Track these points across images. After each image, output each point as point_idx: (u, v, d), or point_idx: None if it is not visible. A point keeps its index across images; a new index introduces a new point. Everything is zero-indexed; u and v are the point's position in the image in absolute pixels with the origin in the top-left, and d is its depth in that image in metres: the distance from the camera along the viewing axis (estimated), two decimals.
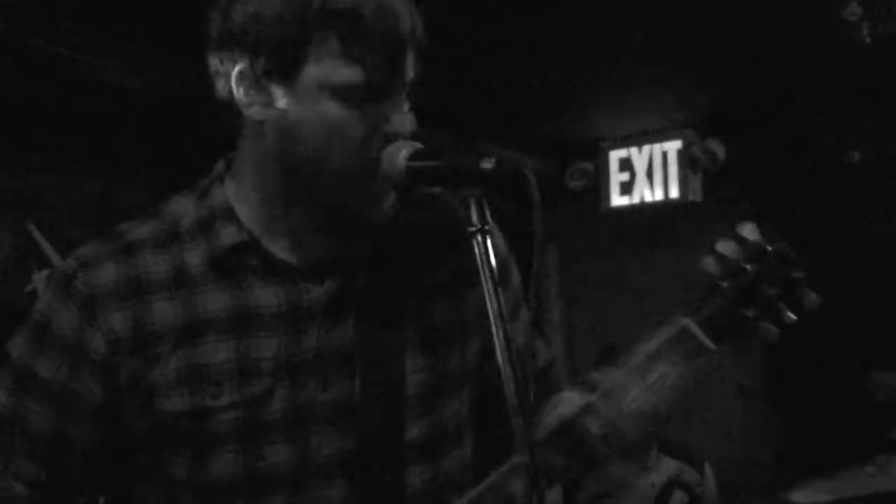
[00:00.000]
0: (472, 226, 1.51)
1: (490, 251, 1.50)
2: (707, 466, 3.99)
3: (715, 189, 6.39)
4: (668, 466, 3.91)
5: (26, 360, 1.66)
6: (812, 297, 1.70)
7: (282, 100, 1.59)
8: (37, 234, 4.69)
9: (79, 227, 4.65)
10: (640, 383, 1.69)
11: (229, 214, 1.68)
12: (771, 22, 4.79)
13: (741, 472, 5.74)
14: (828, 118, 5.92)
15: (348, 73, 1.56)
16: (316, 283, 1.68)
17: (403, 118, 1.62)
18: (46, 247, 4.68)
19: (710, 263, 1.69)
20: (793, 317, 1.70)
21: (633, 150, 6.61)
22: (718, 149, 6.28)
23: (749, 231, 1.70)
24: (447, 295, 1.79)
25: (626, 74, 5.52)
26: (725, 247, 1.69)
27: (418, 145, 1.60)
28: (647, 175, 6.56)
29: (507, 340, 1.47)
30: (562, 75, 5.40)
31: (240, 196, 1.69)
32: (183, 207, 1.71)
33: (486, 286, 1.49)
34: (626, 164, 6.66)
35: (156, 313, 1.63)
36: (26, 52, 4.30)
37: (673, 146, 6.46)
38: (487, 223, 1.51)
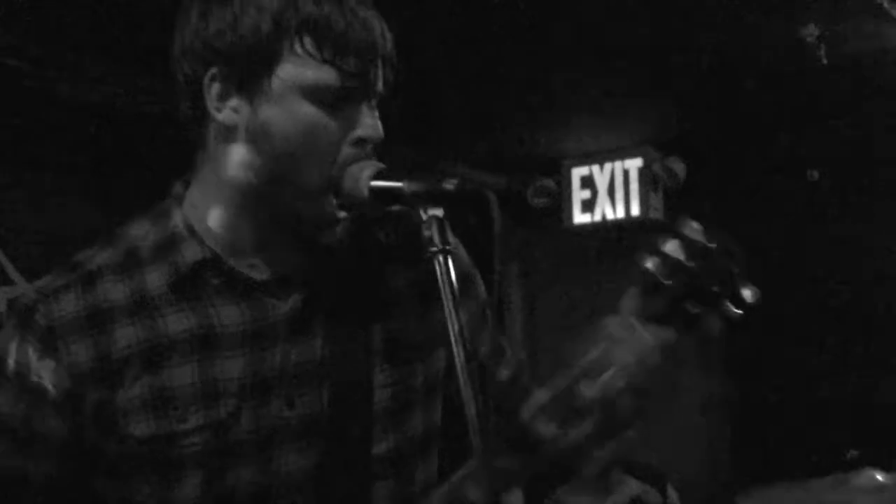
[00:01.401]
0: (433, 246, 1.50)
1: (451, 272, 1.49)
2: (670, 487, 3.98)
3: (675, 206, 6.41)
4: (631, 487, 3.90)
5: None
6: (752, 291, 1.69)
7: (254, 103, 1.59)
8: None
9: (39, 246, 4.61)
10: (592, 382, 1.65)
11: (190, 234, 1.65)
12: (730, 43, 4.81)
13: (703, 490, 5.75)
14: (786, 137, 5.95)
15: (321, 74, 1.57)
16: (281, 299, 1.66)
17: (374, 123, 1.63)
18: (8, 266, 4.62)
19: (654, 263, 1.68)
20: (736, 311, 1.69)
21: (595, 168, 6.63)
22: (678, 167, 6.30)
23: (691, 230, 1.69)
24: (411, 308, 1.79)
25: (588, 94, 5.53)
26: (669, 246, 1.68)
27: (381, 165, 1.61)
28: (608, 192, 6.58)
29: (468, 359, 1.46)
30: (525, 94, 5.41)
31: (200, 214, 1.66)
32: (141, 230, 1.68)
33: (447, 306, 1.48)
34: (587, 182, 6.67)
35: (118, 340, 1.59)
36: None
37: (634, 164, 6.48)
38: (448, 244, 1.50)
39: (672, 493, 3.99)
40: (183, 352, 1.60)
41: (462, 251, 1.84)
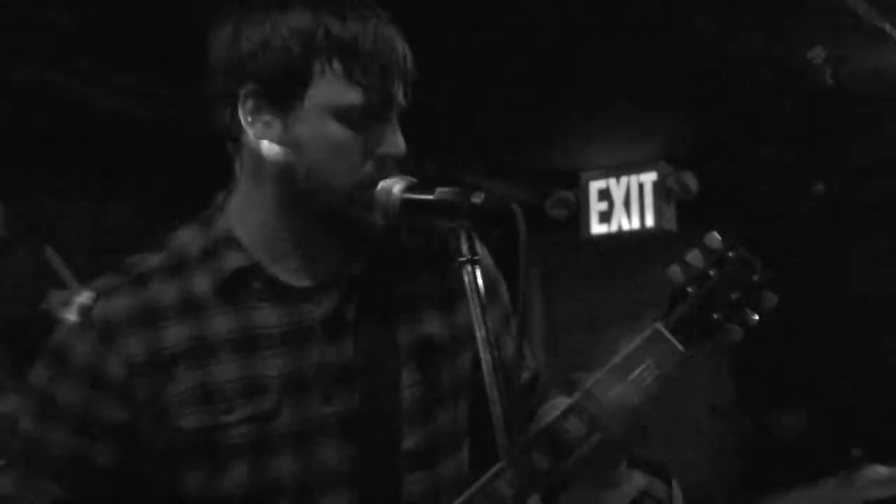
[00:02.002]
0: (461, 256, 1.53)
1: (479, 280, 1.52)
2: (675, 482, 3.98)
3: (688, 218, 6.41)
4: (638, 480, 3.90)
5: (47, 388, 1.65)
6: (771, 298, 1.74)
7: (286, 121, 1.60)
8: (52, 257, 4.69)
9: (91, 250, 4.66)
10: (619, 383, 1.71)
11: (232, 241, 1.68)
12: (742, 64, 4.85)
13: (708, 488, 5.75)
14: (795, 153, 5.95)
15: (350, 96, 1.58)
16: (316, 304, 1.68)
17: (396, 139, 1.64)
18: (61, 268, 4.68)
19: (676, 272, 1.73)
20: (755, 317, 1.74)
21: (612, 181, 6.64)
22: (691, 180, 6.31)
23: (712, 240, 1.74)
24: (437, 311, 1.80)
25: (606, 111, 5.58)
26: (691, 256, 1.73)
27: (412, 179, 1.63)
28: (624, 204, 6.59)
29: (495, 363, 1.48)
30: (546, 111, 5.44)
31: (241, 223, 1.69)
32: (188, 237, 1.71)
33: (475, 313, 1.51)
34: (604, 195, 6.69)
35: (168, 337, 1.62)
36: (42, 92, 4.33)
37: (649, 178, 6.50)
38: (476, 254, 1.53)
39: (676, 487, 3.99)
40: (227, 350, 1.63)
41: (488, 259, 1.85)
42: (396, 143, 1.65)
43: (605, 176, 6.66)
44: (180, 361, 1.61)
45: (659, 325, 1.73)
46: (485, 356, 1.49)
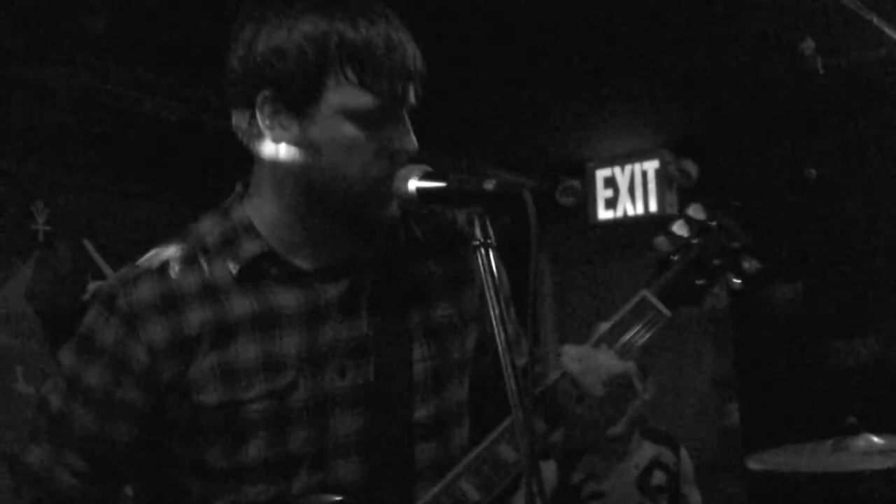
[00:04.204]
0: (475, 240, 1.54)
1: (492, 263, 1.53)
2: (683, 449, 3.99)
3: (689, 203, 6.38)
4: (648, 450, 3.91)
5: (75, 369, 1.69)
6: (753, 264, 1.76)
7: (302, 124, 1.61)
8: (91, 249, 4.71)
9: (127, 243, 4.67)
10: (608, 349, 1.74)
11: (250, 229, 1.70)
12: (737, 55, 4.84)
13: (713, 454, 5.75)
14: (788, 140, 5.93)
15: (362, 100, 1.59)
16: (330, 285, 1.70)
17: (408, 138, 1.66)
18: (100, 260, 4.69)
19: (661, 241, 1.75)
20: (738, 282, 1.75)
21: (617, 170, 6.62)
22: (691, 168, 6.29)
23: (695, 210, 1.76)
24: (446, 293, 1.82)
25: (610, 102, 5.58)
26: (676, 226, 1.76)
27: (427, 168, 1.65)
28: (629, 191, 6.57)
29: (508, 341, 1.49)
30: (554, 103, 5.46)
31: (259, 212, 1.71)
32: (207, 226, 1.73)
33: (489, 294, 1.51)
34: (610, 182, 6.67)
35: (189, 321, 1.64)
36: (80, 93, 4.34)
37: (651, 165, 6.48)
38: (489, 238, 1.54)
39: (685, 455, 4.00)
40: (246, 331, 1.65)
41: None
42: (408, 140, 1.66)
43: (611, 164, 6.65)
44: (202, 343, 1.64)
45: (645, 292, 1.75)
46: (499, 334, 1.50)
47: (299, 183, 1.65)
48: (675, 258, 1.76)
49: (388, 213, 1.67)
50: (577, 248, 7.11)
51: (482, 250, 1.54)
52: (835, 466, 3.50)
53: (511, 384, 1.48)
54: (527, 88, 5.18)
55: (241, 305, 1.66)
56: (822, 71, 4.27)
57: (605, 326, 1.76)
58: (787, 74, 4.81)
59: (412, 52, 1.65)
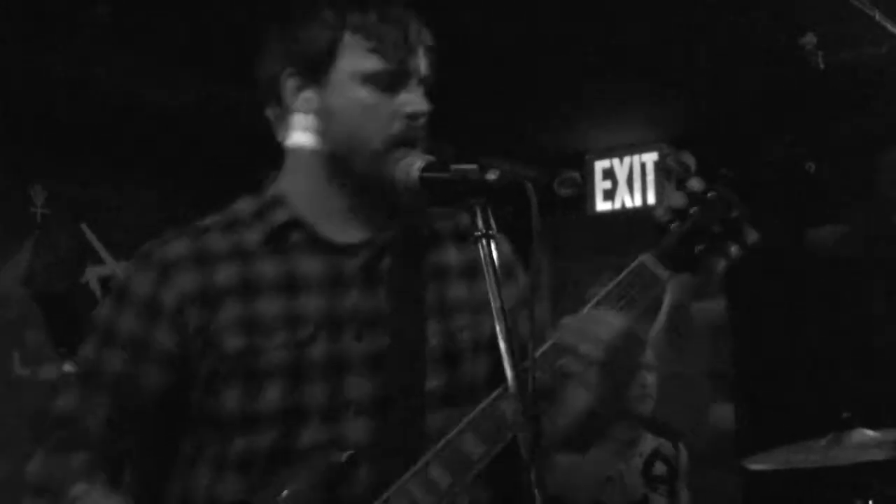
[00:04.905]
0: (477, 231, 1.56)
1: (494, 253, 1.55)
2: (681, 443, 4.03)
3: (686, 175, 6.37)
4: (650, 440, 3.95)
5: (109, 319, 1.78)
6: (752, 234, 1.78)
7: (322, 93, 1.76)
8: (89, 234, 4.70)
9: (124, 227, 4.68)
10: (609, 309, 1.77)
11: (280, 201, 1.81)
12: (738, 48, 4.84)
13: (709, 446, 5.74)
14: (787, 133, 5.93)
15: (371, 63, 1.74)
16: (352, 257, 1.79)
17: (419, 100, 1.77)
18: (97, 245, 4.69)
19: (660, 211, 1.79)
20: (736, 251, 1.78)
21: (616, 161, 6.62)
22: (690, 160, 6.26)
23: (693, 184, 1.80)
24: (461, 280, 1.88)
25: (609, 95, 5.57)
26: (675, 197, 1.79)
27: (431, 158, 1.71)
28: (627, 183, 6.57)
29: (507, 330, 1.52)
30: (553, 95, 5.47)
31: (290, 187, 1.82)
32: (243, 203, 1.85)
33: (490, 284, 1.54)
34: (608, 174, 6.66)
35: (219, 276, 1.75)
36: (80, 81, 4.34)
37: (650, 157, 6.47)
38: (491, 228, 1.56)
39: (682, 448, 4.03)
40: (271, 289, 1.75)
41: (505, 244, 1.90)
42: (419, 101, 1.77)
43: (609, 156, 6.64)
44: (228, 296, 1.74)
45: (644, 257, 1.78)
46: (499, 325, 1.53)
47: (322, 151, 1.78)
48: (674, 226, 1.78)
49: (404, 177, 1.72)
50: (575, 238, 7.10)
51: (483, 241, 1.55)
52: (833, 461, 3.50)
53: (510, 377, 1.50)
54: (526, 79, 5.19)
55: (267, 267, 1.76)
56: (822, 66, 4.28)
57: (602, 290, 1.79)
58: (788, 69, 4.81)
59: (416, 26, 1.80)
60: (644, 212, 6.50)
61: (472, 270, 1.86)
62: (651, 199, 6.46)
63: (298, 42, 1.77)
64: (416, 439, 1.74)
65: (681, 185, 1.83)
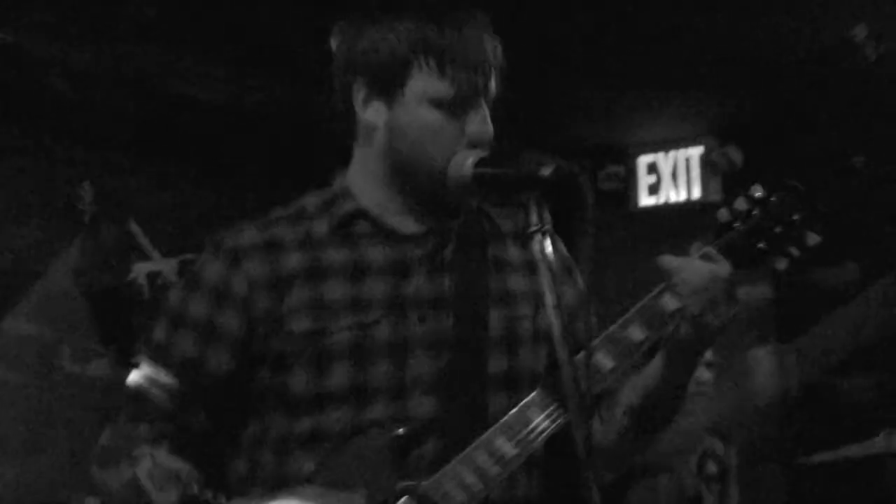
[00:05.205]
0: (532, 226, 1.58)
1: (549, 248, 1.57)
2: (732, 445, 4.03)
3: (733, 190, 6.32)
4: (704, 439, 3.96)
5: (180, 303, 1.85)
6: (812, 237, 1.85)
7: (391, 109, 1.80)
8: (136, 231, 4.74)
9: (172, 225, 4.71)
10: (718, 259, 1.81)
11: (347, 193, 1.87)
12: (785, 41, 4.81)
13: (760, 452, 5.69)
14: (837, 128, 5.85)
15: (442, 88, 1.76)
16: (417, 245, 1.84)
17: (484, 126, 1.80)
18: (145, 242, 4.73)
19: (723, 213, 1.85)
20: (796, 252, 1.84)
21: (660, 155, 6.55)
22: (736, 154, 6.22)
23: (755, 189, 1.85)
24: (521, 274, 1.92)
25: (654, 88, 5.53)
26: (738, 202, 1.85)
27: (483, 153, 1.74)
28: (672, 177, 6.51)
29: (562, 325, 1.55)
30: (598, 89, 5.45)
31: (357, 181, 1.87)
32: (311, 197, 1.90)
33: (545, 279, 1.57)
34: (652, 168, 6.60)
35: (287, 263, 1.80)
36: (129, 78, 4.38)
37: (695, 151, 6.38)
38: (547, 223, 1.57)
39: (732, 448, 4.02)
40: (337, 275, 1.80)
41: (561, 244, 1.92)
42: (484, 127, 1.80)
43: (654, 150, 6.58)
44: (296, 281, 1.79)
45: (707, 248, 1.81)
46: (554, 321, 1.55)
47: (387, 161, 1.83)
48: (736, 225, 1.83)
49: (465, 195, 1.79)
50: (619, 233, 7.06)
51: (539, 235, 1.57)
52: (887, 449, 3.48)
53: (565, 375, 1.52)
54: (568, 72, 5.17)
55: (333, 254, 1.81)
56: (873, 58, 4.23)
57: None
58: (837, 60, 4.76)
59: (491, 48, 1.82)
60: (689, 207, 6.45)
61: (532, 267, 1.83)
62: (696, 195, 6.40)
63: (372, 55, 1.80)
64: (478, 419, 1.77)
65: (739, 187, 1.88)
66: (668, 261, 1.83)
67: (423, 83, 1.77)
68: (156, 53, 4.47)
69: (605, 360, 1.79)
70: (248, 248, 1.81)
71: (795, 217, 1.84)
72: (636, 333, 1.83)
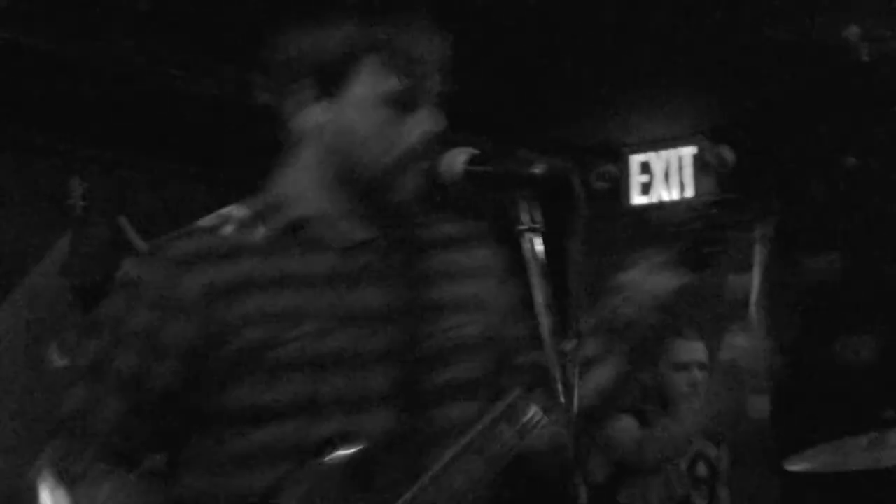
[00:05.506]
0: (523, 225, 1.56)
1: (539, 248, 1.54)
2: (724, 446, 4.03)
3: (726, 189, 6.32)
4: (694, 442, 3.94)
5: (119, 314, 1.75)
6: (759, 234, 1.95)
7: (338, 108, 1.76)
8: (126, 226, 4.73)
9: (162, 220, 4.69)
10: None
11: (287, 199, 1.81)
12: (777, 40, 4.79)
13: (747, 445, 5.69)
14: (827, 126, 5.86)
15: (391, 83, 1.74)
16: (364, 254, 1.80)
17: (434, 118, 1.78)
18: (135, 237, 4.72)
19: (662, 217, 1.82)
20: (741, 255, 1.90)
21: (652, 155, 6.56)
22: (728, 154, 6.22)
23: (694, 201, 1.88)
24: (468, 280, 1.89)
25: (647, 87, 5.53)
26: (680, 209, 1.87)
27: (474, 151, 1.68)
28: (664, 177, 6.51)
29: (555, 327, 1.52)
30: (589, 88, 5.43)
31: (297, 188, 1.82)
32: (249, 202, 1.84)
33: (534, 279, 1.54)
34: (645, 167, 6.60)
35: (233, 272, 1.73)
36: (121, 73, 4.37)
37: (688, 151, 6.39)
38: (537, 223, 1.55)
39: (724, 450, 4.02)
40: (285, 285, 1.74)
41: (505, 246, 1.92)
42: (435, 121, 1.77)
43: (647, 150, 6.58)
44: (243, 292, 1.72)
45: (660, 258, 1.86)
46: (544, 321, 1.52)
47: (332, 163, 1.78)
48: (688, 229, 1.88)
49: (414, 192, 1.77)
50: (611, 232, 7.06)
51: (529, 235, 1.55)
52: (875, 463, 3.46)
53: (556, 375, 1.51)
54: (561, 70, 5.16)
55: (279, 264, 1.76)
56: (866, 58, 4.23)
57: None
58: (829, 60, 4.76)
59: (437, 44, 1.78)
60: (681, 206, 6.45)
61: (480, 272, 1.91)
62: (689, 193, 6.40)
63: (318, 54, 1.76)
64: (432, 433, 1.74)
65: (685, 204, 1.95)
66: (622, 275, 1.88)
67: (371, 81, 1.74)
68: (147, 44, 4.45)
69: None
70: (192, 255, 1.74)
71: (741, 218, 1.89)
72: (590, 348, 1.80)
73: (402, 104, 1.74)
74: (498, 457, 1.69)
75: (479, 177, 1.65)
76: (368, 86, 1.74)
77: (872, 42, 4.18)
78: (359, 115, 1.74)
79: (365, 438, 1.67)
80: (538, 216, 1.55)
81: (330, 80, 1.75)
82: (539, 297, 1.54)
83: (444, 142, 1.75)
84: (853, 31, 4.16)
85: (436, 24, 1.80)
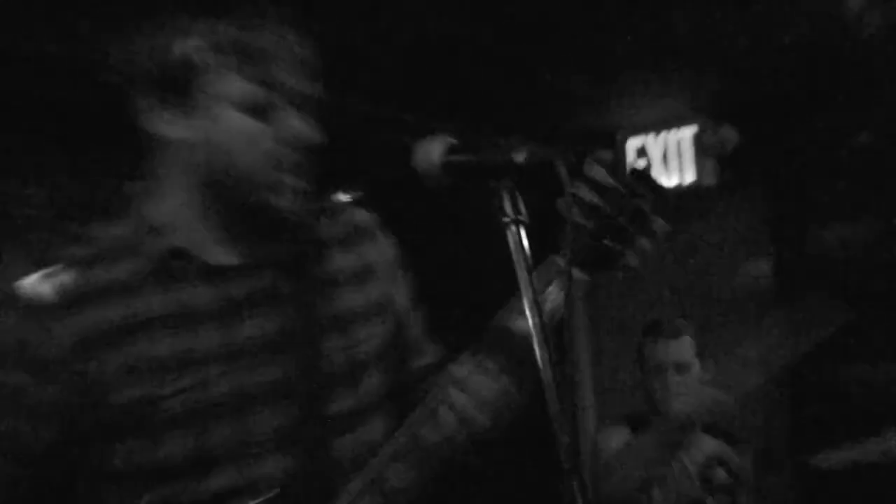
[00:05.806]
0: (505, 216, 1.50)
1: (524, 240, 1.48)
2: (747, 454, 3.88)
3: (728, 172, 6.22)
4: (708, 446, 3.80)
5: None
6: (660, 224, 1.68)
7: (188, 115, 1.65)
8: None
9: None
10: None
11: (156, 228, 1.69)
12: (779, 14, 4.69)
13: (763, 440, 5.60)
14: (835, 103, 5.75)
15: (244, 87, 1.64)
16: (243, 280, 1.71)
17: (301, 126, 1.69)
18: None
19: (563, 207, 1.58)
20: (647, 244, 1.68)
21: (649, 138, 6.43)
22: (730, 134, 6.11)
23: (597, 173, 1.69)
24: (351, 287, 1.83)
25: (640, 66, 5.41)
26: (582, 190, 1.68)
27: (452, 140, 1.60)
28: (662, 161, 6.38)
29: (542, 322, 1.45)
30: (579, 69, 5.33)
31: (164, 214, 1.71)
32: (113, 228, 1.73)
33: (520, 273, 1.48)
34: (642, 152, 6.48)
35: (99, 318, 1.62)
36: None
37: (687, 133, 6.26)
38: (521, 213, 1.49)
39: (747, 454, 3.88)
40: (159, 327, 1.64)
41: (392, 242, 1.92)
42: (301, 128, 1.69)
43: (642, 133, 6.45)
44: (112, 340, 1.62)
45: (556, 258, 1.70)
46: (533, 319, 1.45)
47: (198, 183, 1.68)
48: (582, 222, 1.69)
49: (290, 203, 1.69)
50: None
51: (513, 227, 1.49)
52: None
53: (546, 374, 1.43)
54: (552, 51, 5.04)
55: (153, 303, 1.65)
56: (870, 31, 4.17)
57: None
58: (834, 33, 4.67)
59: (294, 46, 1.69)
60: (681, 191, 6.34)
61: (364, 272, 1.85)
62: (689, 178, 6.28)
63: (155, 58, 1.65)
64: (327, 470, 1.68)
65: (587, 178, 1.72)
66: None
67: (222, 85, 1.63)
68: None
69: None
70: (52, 304, 1.62)
71: (645, 207, 1.67)
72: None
73: (262, 109, 1.65)
74: (426, 457, 1.65)
75: (458, 167, 1.56)
76: (215, 90, 1.64)
77: (874, 14, 4.11)
78: (215, 125, 1.64)
79: (262, 489, 1.60)
80: (521, 207, 1.49)
81: (173, 88, 1.64)
82: (527, 293, 1.46)
83: (418, 130, 1.65)
84: (854, 3, 4.09)
85: (292, 19, 1.71)
